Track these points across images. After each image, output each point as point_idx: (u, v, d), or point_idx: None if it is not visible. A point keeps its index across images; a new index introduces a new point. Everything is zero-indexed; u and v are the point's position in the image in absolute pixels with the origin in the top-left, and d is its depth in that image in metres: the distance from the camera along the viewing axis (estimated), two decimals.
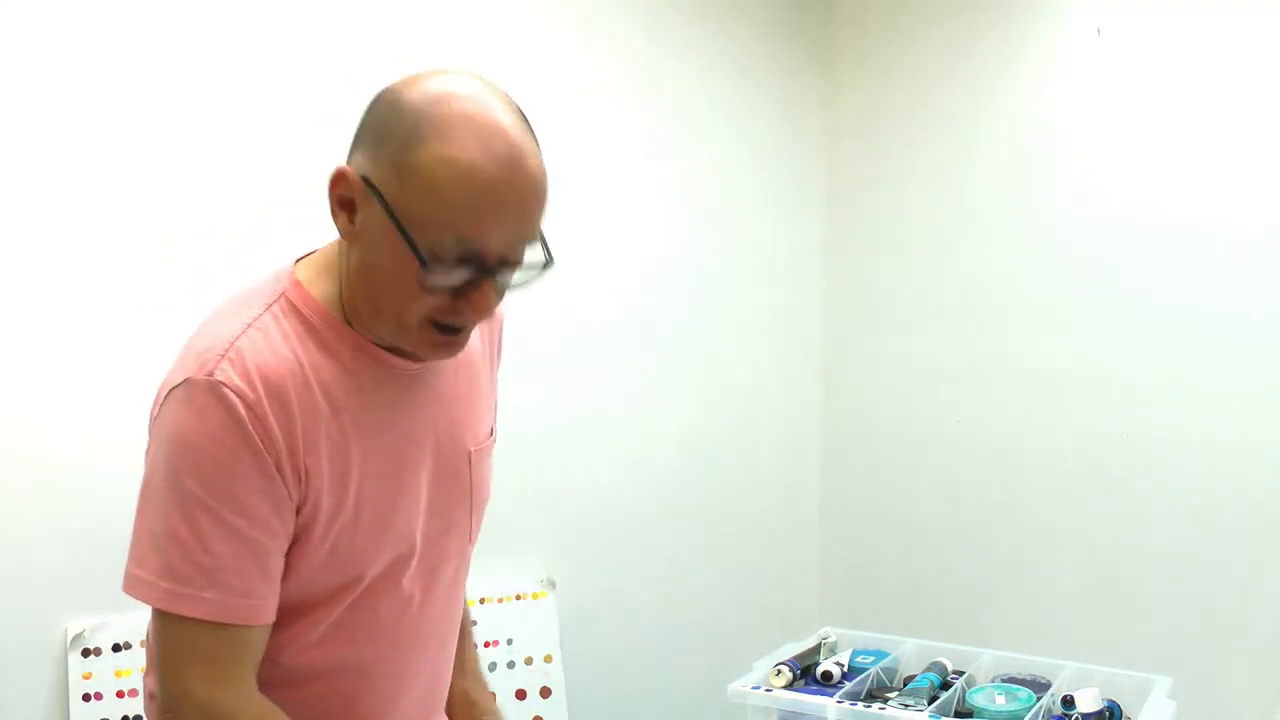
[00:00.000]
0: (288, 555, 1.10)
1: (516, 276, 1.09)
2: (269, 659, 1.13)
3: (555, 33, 2.59)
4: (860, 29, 3.20)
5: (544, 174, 1.06)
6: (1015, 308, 2.93)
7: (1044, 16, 2.86)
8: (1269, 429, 2.57)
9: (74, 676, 1.93)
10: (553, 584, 2.53)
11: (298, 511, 1.08)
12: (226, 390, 1.03)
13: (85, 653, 1.94)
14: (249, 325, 1.08)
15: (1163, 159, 2.69)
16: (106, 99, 1.94)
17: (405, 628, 1.22)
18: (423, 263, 1.02)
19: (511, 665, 2.43)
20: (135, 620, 2.00)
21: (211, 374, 1.03)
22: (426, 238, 1.02)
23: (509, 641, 2.44)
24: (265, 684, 1.12)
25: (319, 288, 1.13)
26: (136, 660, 1.99)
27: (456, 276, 1.04)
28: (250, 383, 1.04)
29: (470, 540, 1.30)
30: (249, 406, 1.03)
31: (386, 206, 1.02)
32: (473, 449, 1.26)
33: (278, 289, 1.13)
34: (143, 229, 1.99)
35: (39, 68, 1.87)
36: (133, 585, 1.07)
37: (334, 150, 2.16)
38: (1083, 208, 2.81)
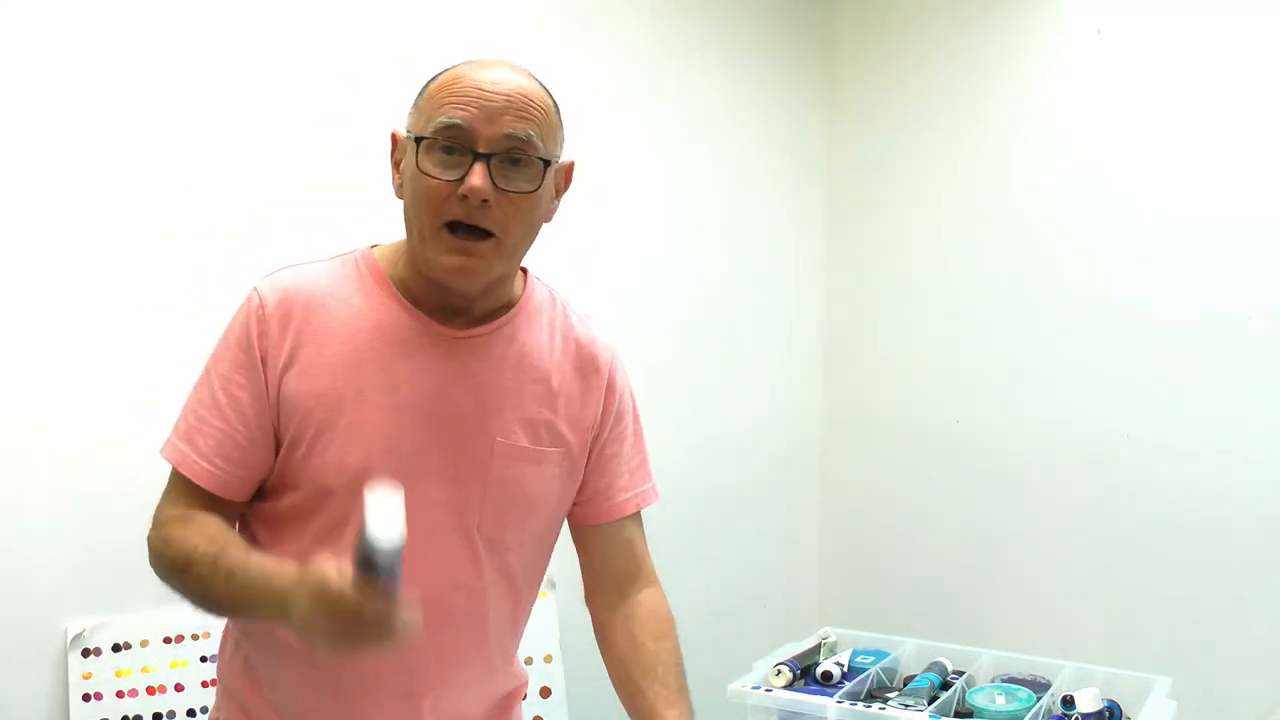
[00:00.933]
0: (281, 457, 1.27)
1: (518, 181, 1.22)
2: None
3: (555, 33, 2.59)
4: (861, 26, 3.20)
5: (532, 85, 1.25)
6: (1016, 307, 2.93)
7: (1044, 14, 2.87)
8: (1269, 430, 2.57)
9: (74, 676, 1.93)
10: (553, 584, 2.52)
11: (281, 407, 1.25)
12: (255, 294, 1.28)
13: (85, 653, 1.94)
14: (311, 263, 1.33)
15: (1164, 159, 2.69)
16: (107, 99, 1.94)
17: None
18: (417, 141, 1.21)
19: None
20: (135, 620, 2.00)
21: (258, 285, 1.29)
22: (420, 125, 1.23)
23: None
24: None
25: (386, 259, 1.34)
26: (136, 660, 1.99)
27: (451, 163, 1.20)
28: (274, 294, 1.27)
29: (478, 529, 1.31)
30: (262, 307, 1.27)
31: (409, 132, 1.25)
32: (499, 439, 1.30)
33: (352, 251, 1.35)
34: (143, 229, 1.99)
35: (39, 68, 1.87)
36: None
37: (334, 150, 2.18)
38: (1085, 207, 2.81)
